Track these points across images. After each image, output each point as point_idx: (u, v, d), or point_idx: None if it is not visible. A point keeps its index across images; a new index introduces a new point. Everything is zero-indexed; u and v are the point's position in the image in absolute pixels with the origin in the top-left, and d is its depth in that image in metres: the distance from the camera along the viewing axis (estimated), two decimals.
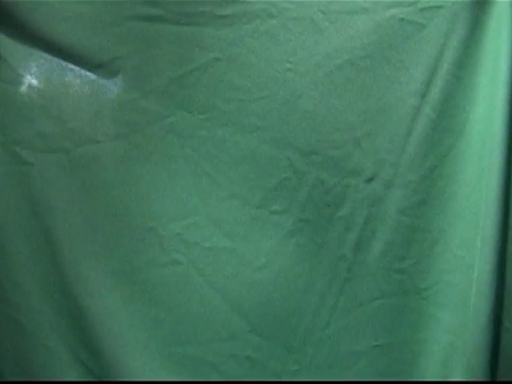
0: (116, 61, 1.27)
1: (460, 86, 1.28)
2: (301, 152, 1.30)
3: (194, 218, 1.30)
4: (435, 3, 1.27)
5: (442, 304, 1.30)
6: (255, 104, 1.29)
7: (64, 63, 1.26)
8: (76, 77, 1.27)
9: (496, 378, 1.23)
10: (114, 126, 1.28)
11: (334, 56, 1.28)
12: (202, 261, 1.30)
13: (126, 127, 1.29)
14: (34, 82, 1.26)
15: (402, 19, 1.27)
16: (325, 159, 1.30)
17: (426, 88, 1.28)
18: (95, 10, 1.25)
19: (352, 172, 1.31)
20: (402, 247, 1.31)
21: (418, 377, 1.31)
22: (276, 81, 1.29)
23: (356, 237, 1.31)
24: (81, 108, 1.28)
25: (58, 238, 1.26)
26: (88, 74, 1.27)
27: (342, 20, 1.28)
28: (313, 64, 1.29)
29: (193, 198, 1.30)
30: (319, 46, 1.28)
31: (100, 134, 1.28)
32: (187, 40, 1.27)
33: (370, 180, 1.31)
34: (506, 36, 1.22)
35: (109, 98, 1.29)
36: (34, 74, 1.26)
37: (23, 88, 1.26)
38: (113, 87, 1.28)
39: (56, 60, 1.26)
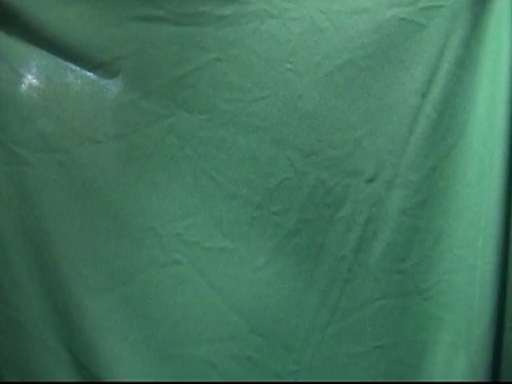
0: (116, 61, 1.27)
1: (461, 85, 1.27)
2: (301, 152, 1.30)
3: (194, 218, 1.30)
4: (436, 3, 1.27)
5: (444, 304, 1.30)
6: (255, 104, 1.29)
7: (64, 63, 1.26)
8: (76, 77, 1.27)
9: (498, 378, 1.23)
10: (114, 126, 1.29)
11: (335, 56, 1.28)
12: (201, 261, 1.30)
13: (126, 127, 1.29)
14: (34, 81, 1.27)
15: (403, 19, 1.27)
16: (325, 159, 1.30)
17: (426, 88, 1.28)
18: (96, 11, 1.25)
19: (353, 172, 1.30)
20: (403, 248, 1.31)
21: (419, 378, 1.31)
22: (276, 81, 1.29)
23: (357, 237, 1.31)
24: (81, 108, 1.28)
25: (58, 237, 1.27)
26: (88, 74, 1.27)
27: (343, 20, 1.28)
28: (313, 64, 1.29)
29: (193, 198, 1.30)
30: (319, 46, 1.28)
31: (100, 134, 1.28)
32: (187, 40, 1.28)
33: (370, 180, 1.31)
34: (506, 35, 1.22)
35: (109, 98, 1.29)
36: (34, 73, 1.26)
37: (23, 88, 1.26)
38: (113, 87, 1.29)
39: (56, 60, 1.26)
